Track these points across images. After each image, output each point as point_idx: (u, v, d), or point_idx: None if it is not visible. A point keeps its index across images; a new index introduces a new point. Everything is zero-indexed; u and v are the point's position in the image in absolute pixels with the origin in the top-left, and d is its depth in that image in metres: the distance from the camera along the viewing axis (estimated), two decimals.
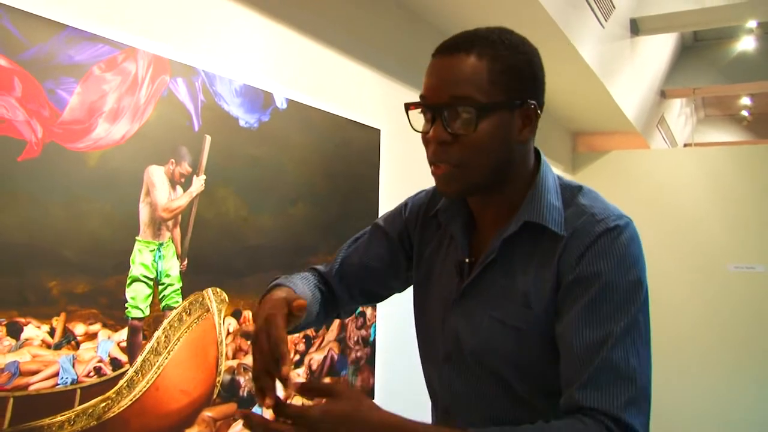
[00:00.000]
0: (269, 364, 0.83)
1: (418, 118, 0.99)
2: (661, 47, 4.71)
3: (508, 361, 0.96)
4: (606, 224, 0.92)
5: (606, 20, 3.24)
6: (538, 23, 2.78)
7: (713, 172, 4.75)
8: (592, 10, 3.04)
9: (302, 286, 1.08)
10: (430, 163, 0.97)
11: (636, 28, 3.78)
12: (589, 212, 0.95)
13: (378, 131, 2.46)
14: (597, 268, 0.90)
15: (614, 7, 3.25)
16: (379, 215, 2.44)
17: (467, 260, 1.04)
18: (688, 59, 5.54)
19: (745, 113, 7.81)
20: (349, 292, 1.20)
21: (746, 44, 5.06)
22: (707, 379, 4.68)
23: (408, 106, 0.99)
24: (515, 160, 0.98)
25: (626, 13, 3.60)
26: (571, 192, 1.00)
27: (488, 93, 0.91)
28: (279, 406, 0.81)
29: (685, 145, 7.58)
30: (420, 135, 0.98)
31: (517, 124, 0.95)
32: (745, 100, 7.34)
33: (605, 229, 0.92)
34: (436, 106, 0.93)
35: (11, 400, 1.22)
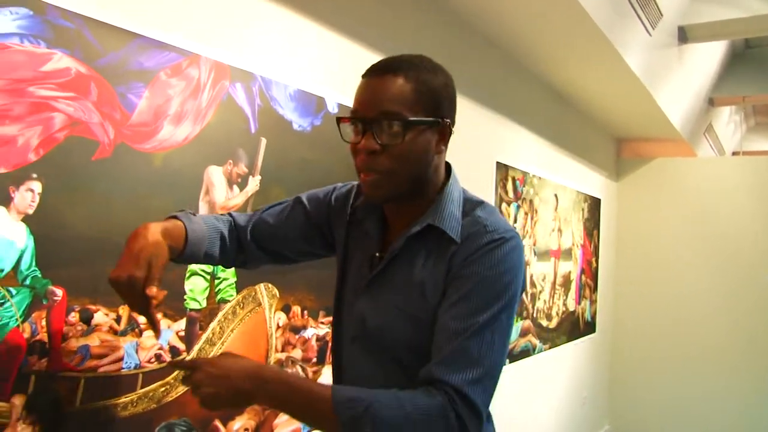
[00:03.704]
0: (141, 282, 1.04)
1: (348, 131, 1.14)
2: (710, 54, 4.64)
3: (402, 342, 1.12)
4: (492, 236, 1.08)
5: (653, 28, 3.23)
6: (584, 31, 2.80)
7: (760, 182, 4.67)
8: (639, 18, 3.04)
9: (200, 228, 1.21)
10: (359, 171, 1.11)
11: (684, 36, 3.74)
12: (482, 224, 1.11)
13: None
14: (476, 268, 1.06)
15: (662, 15, 3.23)
16: None
17: (378, 254, 1.19)
18: (738, 66, 5.43)
19: None
20: (258, 249, 1.34)
21: None
22: (739, 389, 4.61)
23: (339, 120, 1.14)
24: (431, 170, 1.13)
25: (674, 21, 3.57)
26: (471, 205, 1.15)
27: (413, 110, 1.06)
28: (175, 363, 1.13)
29: (734, 154, 7.43)
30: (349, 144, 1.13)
31: (434, 138, 1.10)
32: None
33: (490, 239, 1.08)
34: (368, 120, 1.06)
35: (82, 381, 1.32)
